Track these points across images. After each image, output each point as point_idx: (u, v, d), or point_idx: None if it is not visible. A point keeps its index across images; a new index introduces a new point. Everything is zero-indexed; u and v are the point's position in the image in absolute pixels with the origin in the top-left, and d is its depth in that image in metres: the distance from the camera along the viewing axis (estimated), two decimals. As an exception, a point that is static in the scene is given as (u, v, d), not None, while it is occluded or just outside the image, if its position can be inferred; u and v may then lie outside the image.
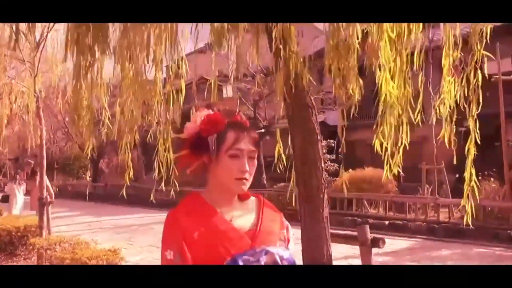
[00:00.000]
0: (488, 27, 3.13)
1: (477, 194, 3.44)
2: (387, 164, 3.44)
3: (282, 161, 3.84)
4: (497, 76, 11.58)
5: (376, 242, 3.94)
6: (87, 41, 3.69)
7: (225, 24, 3.14)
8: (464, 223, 3.58)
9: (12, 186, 13.66)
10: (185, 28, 3.43)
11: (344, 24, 2.99)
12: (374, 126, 3.37)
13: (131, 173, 4.30)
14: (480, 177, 11.11)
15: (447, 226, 11.56)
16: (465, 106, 3.35)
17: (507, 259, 8.75)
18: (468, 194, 3.43)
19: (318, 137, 3.68)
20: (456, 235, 10.89)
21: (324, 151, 13.55)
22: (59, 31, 7.46)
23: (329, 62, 3.13)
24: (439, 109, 3.45)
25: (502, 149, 12.04)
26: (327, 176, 4.71)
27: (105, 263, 5.46)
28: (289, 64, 3.13)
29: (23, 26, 4.50)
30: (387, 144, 3.35)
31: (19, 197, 13.59)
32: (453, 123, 3.47)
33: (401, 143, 3.43)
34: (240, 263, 1.49)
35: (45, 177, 8.60)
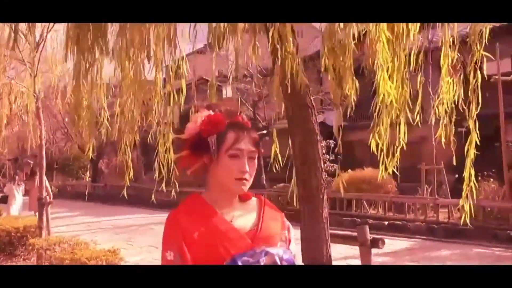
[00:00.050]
0: (487, 27, 3.13)
1: (475, 194, 3.45)
2: (382, 164, 3.44)
3: (278, 160, 3.84)
4: (496, 77, 11.58)
5: (375, 243, 3.95)
6: (86, 41, 3.69)
7: (223, 24, 3.14)
8: (462, 223, 3.58)
9: (11, 187, 13.66)
10: (185, 28, 3.43)
11: (340, 24, 2.99)
12: (371, 126, 3.37)
13: (131, 174, 4.30)
14: (479, 178, 11.14)
15: (447, 227, 11.56)
16: (464, 107, 3.35)
17: (507, 259, 8.75)
18: (467, 194, 3.43)
19: (318, 138, 3.68)
20: (456, 235, 10.90)
21: (324, 151, 13.54)
22: (58, 31, 7.45)
23: (325, 63, 3.13)
24: (438, 110, 3.46)
25: (502, 150, 12.05)
26: (326, 176, 4.71)
27: (104, 264, 5.46)
28: (284, 65, 3.13)
29: (23, 26, 4.50)
30: (383, 144, 3.35)
31: (18, 197, 13.58)
32: (452, 123, 3.47)
33: (398, 143, 3.43)
34: (240, 264, 1.48)
35: (44, 178, 8.59)
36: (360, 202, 13.92)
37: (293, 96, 3.53)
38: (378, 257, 7.07)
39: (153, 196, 4.18)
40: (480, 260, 8.65)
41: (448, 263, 8.48)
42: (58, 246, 6.64)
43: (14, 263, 8.24)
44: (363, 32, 3.16)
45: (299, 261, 1.68)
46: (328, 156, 14.60)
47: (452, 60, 3.38)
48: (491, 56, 3.55)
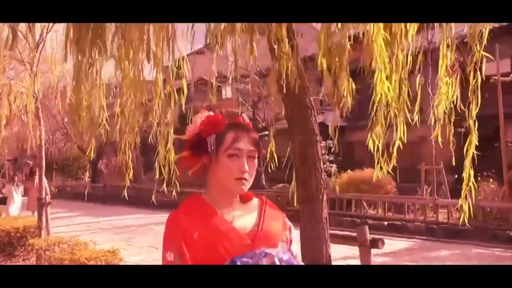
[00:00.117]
0: (487, 28, 3.13)
1: (474, 194, 3.45)
2: (378, 163, 3.44)
3: (275, 161, 3.85)
4: (496, 77, 11.59)
5: (375, 243, 3.94)
6: (86, 41, 3.69)
7: (221, 24, 3.14)
8: (461, 223, 3.58)
9: (10, 188, 13.66)
10: (185, 29, 3.43)
11: (335, 24, 2.99)
12: (368, 126, 3.37)
13: (131, 174, 4.30)
14: (479, 178, 11.16)
15: (446, 227, 11.57)
16: (463, 107, 3.35)
17: (506, 259, 8.75)
18: (465, 195, 3.44)
19: (318, 138, 3.68)
20: (455, 235, 10.90)
21: (323, 151, 13.55)
22: (58, 31, 7.45)
23: (321, 63, 3.13)
24: (437, 110, 3.46)
25: (501, 150, 12.05)
26: (326, 176, 4.72)
27: (104, 264, 5.45)
28: (280, 65, 3.14)
29: (22, 26, 4.50)
30: (379, 143, 3.35)
31: (17, 198, 13.58)
32: (451, 124, 3.47)
33: (395, 143, 3.43)
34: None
35: (43, 178, 8.59)
36: (359, 202, 13.92)
37: (293, 96, 3.54)
38: (377, 257, 7.07)
39: (153, 196, 4.18)
40: (479, 261, 8.66)
41: (448, 263, 8.48)
42: (58, 247, 6.64)
43: (13, 264, 8.23)
44: (362, 32, 3.16)
45: (300, 262, 1.67)
46: (327, 157, 14.61)
47: (451, 61, 3.38)
48: (491, 57, 3.55)
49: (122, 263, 5.82)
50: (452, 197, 11.96)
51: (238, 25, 3.05)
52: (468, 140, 3.35)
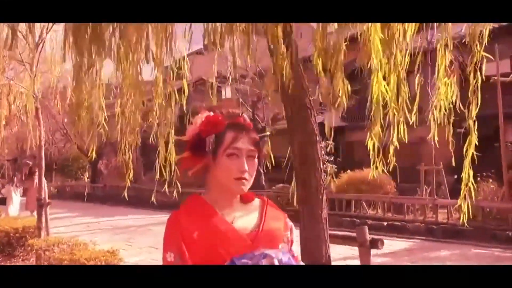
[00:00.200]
0: (487, 28, 3.13)
1: (473, 194, 3.45)
2: (373, 163, 3.44)
3: (271, 160, 3.85)
4: (495, 78, 11.60)
5: (375, 243, 3.94)
6: (84, 42, 3.69)
7: (219, 24, 3.14)
8: (460, 223, 3.58)
9: (9, 188, 13.67)
10: (184, 29, 3.43)
11: (331, 24, 2.99)
12: (367, 126, 3.37)
13: (132, 174, 4.30)
14: (479, 178, 11.17)
15: (446, 227, 11.57)
16: (463, 108, 3.35)
17: (506, 259, 8.76)
18: (464, 195, 3.44)
19: (317, 138, 3.68)
20: (455, 236, 10.90)
21: (323, 152, 13.56)
22: (58, 32, 7.45)
23: (316, 63, 3.13)
24: (435, 111, 3.46)
25: (501, 150, 12.06)
26: (325, 177, 4.71)
27: (103, 264, 5.45)
28: (275, 65, 3.14)
29: (22, 26, 4.49)
30: (377, 143, 3.35)
31: (16, 199, 13.59)
32: (450, 124, 3.47)
33: (391, 143, 3.43)
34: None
35: (43, 178, 8.59)
36: (359, 202, 13.93)
37: (293, 96, 3.54)
38: (377, 258, 7.07)
39: (153, 196, 4.18)
40: (479, 261, 8.66)
41: (447, 263, 8.48)
42: (57, 247, 6.63)
43: (13, 264, 8.23)
44: (359, 33, 3.16)
45: (300, 263, 1.67)
46: (327, 157, 14.61)
47: (448, 61, 3.38)
48: (491, 57, 3.55)
49: (121, 264, 5.82)
50: (452, 198, 11.96)
51: (237, 25, 3.05)
52: (468, 141, 3.35)
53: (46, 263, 6.53)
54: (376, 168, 3.45)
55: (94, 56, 3.79)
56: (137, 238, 11.76)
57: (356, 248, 4.06)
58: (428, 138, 3.55)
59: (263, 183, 17.55)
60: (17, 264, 8.24)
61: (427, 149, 12.36)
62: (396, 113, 3.37)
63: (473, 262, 8.58)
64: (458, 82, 3.43)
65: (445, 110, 3.43)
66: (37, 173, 12.40)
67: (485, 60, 3.22)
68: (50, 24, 7.09)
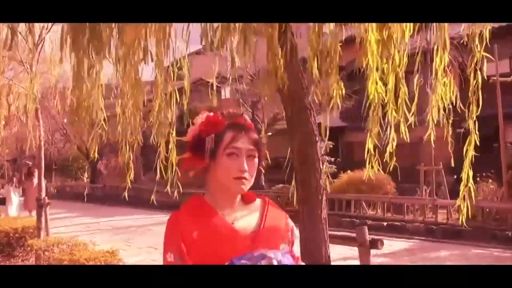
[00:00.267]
0: (487, 28, 3.13)
1: (473, 195, 3.45)
2: (369, 162, 3.44)
3: (267, 160, 3.84)
4: (495, 78, 11.60)
5: (374, 243, 3.94)
6: (83, 42, 3.69)
7: (217, 25, 3.14)
8: (460, 223, 3.57)
9: (8, 189, 13.68)
10: (184, 29, 3.43)
11: (326, 25, 2.99)
12: (366, 127, 3.37)
13: (132, 175, 4.29)
14: (478, 179, 11.18)
15: (446, 227, 11.58)
16: (461, 107, 3.35)
17: (505, 260, 8.76)
18: (464, 195, 3.44)
19: (317, 138, 3.68)
20: (455, 236, 10.91)
21: (323, 152, 13.57)
22: (57, 32, 7.44)
23: (311, 63, 3.13)
24: (432, 111, 3.46)
25: (500, 151, 12.06)
26: (327, 178, 4.73)
27: (103, 264, 5.45)
28: (269, 66, 3.14)
29: (22, 27, 4.49)
30: (374, 142, 3.35)
31: (15, 199, 13.59)
32: (449, 124, 3.47)
33: (389, 143, 3.43)
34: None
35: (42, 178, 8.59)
36: (359, 203, 13.93)
37: (293, 97, 3.54)
38: (377, 258, 7.07)
39: (153, 197, 4.17)
40: (479, 261, 8.66)
41: (447, 263, 8.48)
42: (57, 247, 6.63)
43: (12, 264, 8.22)
44: (357, 33, 3.16)
45: (301, 264, 1.67)
46: (327, 158, 14.61)
47: (445, 61, 3.38)
48: (491, 57, 3.55)
49: (121, 264, 5.82)
50: (452, 198, 11.96)
51: (235, 25, 3.05)
52: (468, 141, 3.35)
53: (45, 263, 6.53)
54: (372, 167, 3.45)
55: (93, 56, 3.78)
56: (137, 239, 11.76)
57: (356, 249, 4.05)
58: (424, 138, 3.55)
59: (263, 183, 17.55)
60: (17, 264, 8.24)
61: (426, 149, 12.37)
62: (395, 113, 3.37)
63: (473, 262, 8.59)
64: (457, 82, 3.43)
65: (444, 111, 3.43)
66: (36, 173, 12.42)
67: (485, 60, 3.22)
68: (50, 24, 7.09)
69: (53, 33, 7.71)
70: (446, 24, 3.14)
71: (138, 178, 20.62)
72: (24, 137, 11.97)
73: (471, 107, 3.26)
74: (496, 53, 10.67)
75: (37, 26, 6.93)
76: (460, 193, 3.46)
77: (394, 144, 3.43)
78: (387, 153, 3.41)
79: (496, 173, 12.25)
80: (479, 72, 3.19)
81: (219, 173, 1.59)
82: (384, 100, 3.29)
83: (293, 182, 3.80)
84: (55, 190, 27.36)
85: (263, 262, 1.48)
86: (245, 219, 1.61)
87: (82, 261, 5.42)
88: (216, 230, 1.55)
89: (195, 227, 1.54)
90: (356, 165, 15.58)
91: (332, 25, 2.96)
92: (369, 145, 3.35)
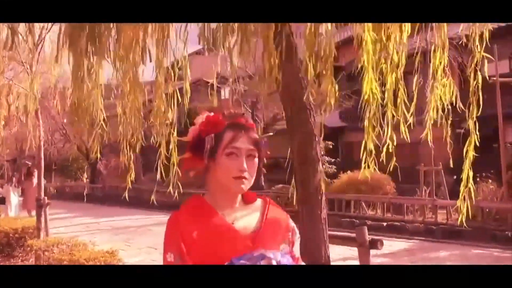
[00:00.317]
0: (487, 28, 3.13)
1: (473, 195, 3.45)
2: (365, 162, 3.44)
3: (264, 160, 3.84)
4: (494, 78, 11.60)
5: (374, 244, 3.94)
6: (81, 42, 3.69)
7: (216, 25, 3.14)
8: (459, 223, 3.58)
9: (7, 188, 13.68)
10: (184, 29, 3.43)
11: (322, 25, 2.98)
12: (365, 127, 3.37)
13: (133, 175, 4.29)
14: (478, 179, 11.18)
15: (445, 228, 11.58)
16: (464, 108, 3.35)
17: (505, 260, 8.76)
18: (464, 196, 3.44)
19: (316, 139, 3.69)
20: (454, 236, 10.91)
21: (322, 152, 13.57)
22: (57, 32, 7.44)
23: (306, 63, 3.13)
24: (429, 111, 3.46)
25: (500, 151, 12.07)
26: (325, 178, 4.72)
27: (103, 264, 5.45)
28: (264, 65, 3.14)
29: (22, 27, 4.49)
30: (367, 142, 3.35)
31: (14, 198, 13.59)
32: (448, 125, 3.47)
33: (385, 143, 3.43)
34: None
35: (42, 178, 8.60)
36: (358, 203, 13.94)
37: (292, 97, 3.54)
38: (376, 258, 7.07)
39: (153, 197, 4.17)
40: (478, 261, 8.66)
41: (447, 264, 8.48)
42: (57, 247, 6.62)
43: (12, 264, 8.22)
44: (356, 34, 3.16)
45: (301, 264, 1.67)
46: (326, 158, 14.62)
47: (443, 62, 3.38)
48: (491, 57, 3.55)
49: (121, 264, 5.81)
50: (451, 198, 11.97)
51: (234, 25, 3.05)
52: (468, 141, 3.35)
53: (45, 264, 6.53)
54: (368, 167, 3.45)
55: (92, 56, 3.78)
56: (137, 239, 11.76)
57: (356, 249, 4.05)
58: (421, 137, 3.55)
59: (263, 183, 17.55)
60: (17, 264, 8.23)
61: (426, 149, 12.37)
62: (394, 113, 3.37)
63: (473, 262, 8.59)
64: (457, 83, 3.43)
65: (443, 111, 3.43)
66: (35, 173, 12.42)
67: (486, 61, 3.22)
68: (50, 24, 7.09)
69: (53, 33, 7.70)
70: (445, 24, 3.15)
71: (138, 178, 20.61)
72: (24, 137, 11.98)
73: (471, 108, 3.26)
74: (496, 53, 10.68)
75: (37, 26, 6.92)
76: (460, 193, 3.46)
77: (394, 144, 3.43)
78: (383, 153, 3.41)
79: (496, 173, 12.26)
80: (479, 73, 3.19)
81: (218, 173, 1.59)
82: (383, 99, 3.28)
83: (293, 182, 3.80)
84: (55, 190, 27.34)
85: (263, 262, 1.48)
86: (245, 219, 1.61)
87: (81, 261, 5.41)
88: (216, 230, 1.55)
89: (195, 227, 1.54)
90: (356, 165, 15.55)
91: (328, 25, 2.95)
92: (365, 144, 3.36)
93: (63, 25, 3.81)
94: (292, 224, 1.70)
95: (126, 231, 13.36)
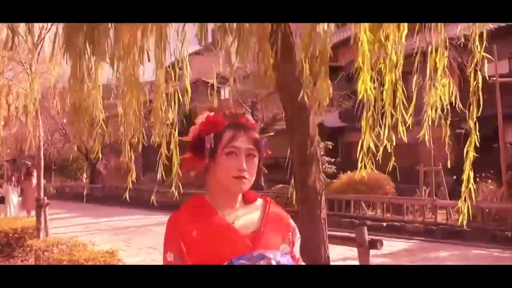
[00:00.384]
0: (486, 28, 3.13)
1: (473, 195, 3.45)
2: (361, 162, 3.44)
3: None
4: (494, 78, 11.60)
5: (374, 244, 3.94)
6: (80, 42, 3.69)
7: (214, 25, 3.14)
8: (459, 224, 3.58)
9: (7, 188, 13.67)
10: (178, 29, 3.43)
11: (319, 25, 2.98)
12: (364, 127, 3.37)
13: (134, 175, 4.29)
14: (478, 179, 11.17)
15: (445, 228, 11.58)
16: (462, 108, 3.35)
17: (505, 260, 8.76)
18: (465, 197, 3.44)
19: (316, 139, 3.69)
20: (454, 236, 10.91)
21: (322, 153, 13.57)
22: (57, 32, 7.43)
23: (301, 63, 3.13)
24: (427, 111, 3.46)
25: (500, 151, 12.07)
26: (324, 177, 4.73)
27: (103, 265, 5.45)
28: (259, 66, 3.15)
29: (22, 27, 4.49)
30: (364, 142, 3.35)
31: (14, 198, 13.58)
32: (447, 125, 3.47)
33: (383, 143, 3.43)
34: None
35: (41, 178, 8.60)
36: (358, 203, 13.94)
37: (292, 97, 3.54)
38: (376, 258, 7.07)
39: (153, 197, 4.17)
40: (478, 261, 8.66)
41: (447, 264, 8.48)
42: (56, 247, 6.62)
43: (12, 264, 8.22)
44: (354, 34, 3.16)
45: (301, 264, 1.67)
46: (326, 158, 14.62)
47: (441, 62, 3.38)
48: (491, 57, 3.56)
49: (121, 264, 5.81)
50: (451, 198, 11.98)
51: (232, 25, 3.05)
52: (468, 142, 3.35)
53: (45, 264, 6.53)
54: (365, 167, 3.45)
55: (91, 57, 3.78)
56: (136, 239, 11.76)
57: (355, 249, 4.06)
58: (418, 137, 3.56)
59: (262, 183, 17.55)
60: (16, 264, 8.23)
61: (426, 149, 12.38)
62: (393, 113, 3.37)
63: (473, 262, 8.59)
64: (457, 83, 3.43)
65: (442, 111, 3.43)
66: (35, 173, 12.42)
67: (486, 61, 3.22)
68: (49, 24, 7.09)
69: (53, 33, 7.68)
70: (442, 24, 3.15)
71: (138, 178, 20.60)
72: (23, 137, 11.98)
73: (471, 108, 3.26)
74: (496, 53, 10.68)
75: (37, 26, 6.92)
76: (462, 194, 3.46)
77: (392, 144, 3.43)
78: (380, 153, 3.41)
79: (495, 174, 12.26)
80: (479, 73, 3.19)
81: (218, 173, 1.59)
82: (380, 100, 3.28)
83: (293, 182, 3.80)
84: (55, 190, 27.33)
85: (262, 262, 1.48)
86: (246, 219, 1.61)
87: (81, 262, 5.41)
88: (216, 230, 1.55)
89: (195, 227, 1.54)
90: (355, 165, 15.58)
91: (325, 25, 2.95)
92: (362, 144, 3.36)
93: (61, 25, 3.81)
94: (292, 224, 1.69)
95: (126, 231, 13.36)
